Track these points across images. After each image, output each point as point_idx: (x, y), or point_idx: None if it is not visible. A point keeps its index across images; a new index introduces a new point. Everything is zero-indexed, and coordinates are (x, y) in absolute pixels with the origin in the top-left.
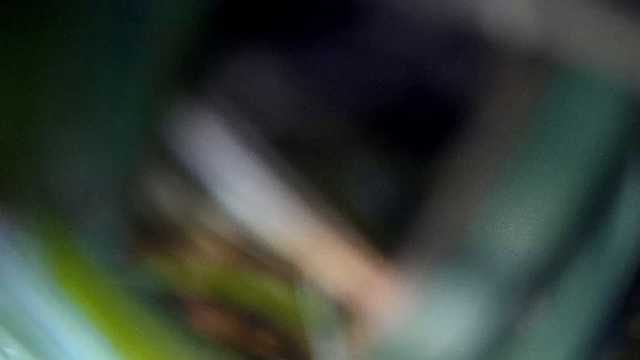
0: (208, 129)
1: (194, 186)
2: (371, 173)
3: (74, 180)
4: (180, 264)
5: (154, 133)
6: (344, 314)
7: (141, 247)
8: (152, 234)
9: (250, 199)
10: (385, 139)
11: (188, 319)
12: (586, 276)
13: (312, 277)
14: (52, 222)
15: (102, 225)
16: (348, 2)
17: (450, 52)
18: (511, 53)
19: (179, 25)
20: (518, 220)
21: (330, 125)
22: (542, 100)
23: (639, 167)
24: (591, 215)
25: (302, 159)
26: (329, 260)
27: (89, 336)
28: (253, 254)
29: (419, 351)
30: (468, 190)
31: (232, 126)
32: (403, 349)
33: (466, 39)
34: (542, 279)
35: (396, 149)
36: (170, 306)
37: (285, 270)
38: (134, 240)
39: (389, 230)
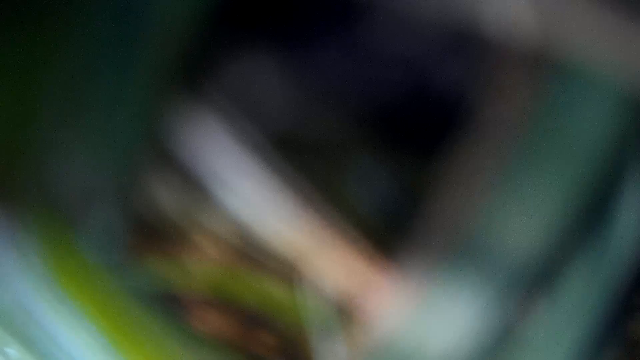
0: (208, 129)
1: (194, 186)
2: (371, 173)
3: (74, 180)
4: (180, 264)
5: (154, 133)
6: (344, 314)
7: (141, 247)
8: (152, 234)
9: (250, 199)
10: (385, 139)
11: (188, 319)
12: (586, 276)
13: (312, 277)
14: (52, 222)
15: (102, 225)
16: (348, 2)
17: (450, 52)
18: (511, 53)
19: (179, 25)
20: (518, 220)
21: (330, 125)
22: (542, 100)
23: (639, 167)
24: (591, 215)
25: (302, 159)
26: (329, 260)
27: (89, 336)
28: (253, 254)
29: (419, 351)
30: (468, 190)
31: (232, 126)
32: (403, 349)
33: (466, 39)
34: (542, 279)
35: (396, 149)
36: (170, 306)
37: (285, 270)
38: (134, 240)
39: (389, 230)
